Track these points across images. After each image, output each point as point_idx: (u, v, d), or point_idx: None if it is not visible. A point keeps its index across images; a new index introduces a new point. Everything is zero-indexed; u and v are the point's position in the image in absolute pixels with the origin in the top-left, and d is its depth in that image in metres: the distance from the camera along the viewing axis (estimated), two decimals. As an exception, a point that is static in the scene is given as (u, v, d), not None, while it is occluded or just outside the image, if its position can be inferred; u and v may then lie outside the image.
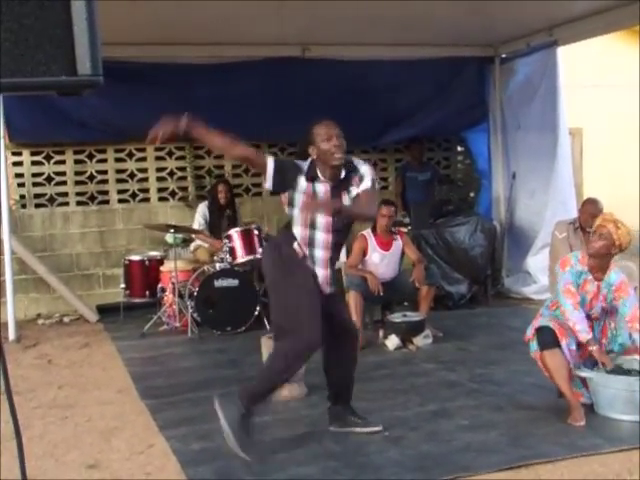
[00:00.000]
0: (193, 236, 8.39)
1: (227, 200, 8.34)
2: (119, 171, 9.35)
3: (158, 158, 9.49)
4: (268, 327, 7.39)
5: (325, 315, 4.28)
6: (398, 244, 7.08)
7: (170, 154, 9.52)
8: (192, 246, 8.47)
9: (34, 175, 9.06)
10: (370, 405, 4.92)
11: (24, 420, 4.82)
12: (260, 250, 7.58)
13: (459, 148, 10.91)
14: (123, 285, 8.18)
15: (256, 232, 7.71)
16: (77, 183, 9.21)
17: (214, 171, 9.66)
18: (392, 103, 9.06)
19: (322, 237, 4.20)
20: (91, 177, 9.25)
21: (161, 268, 8.02)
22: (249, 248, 7.61)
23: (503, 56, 9.58)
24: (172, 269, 7.60)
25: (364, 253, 6.94)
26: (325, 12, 7.25)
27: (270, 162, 4.16)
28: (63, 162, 9.15)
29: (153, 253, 8.49)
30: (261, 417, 4.42)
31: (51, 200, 9.13)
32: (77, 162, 9.19)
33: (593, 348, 4.62)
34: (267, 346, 5.39)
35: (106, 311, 8.69)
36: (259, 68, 8.76)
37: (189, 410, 5.15)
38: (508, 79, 9.53)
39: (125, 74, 8.28)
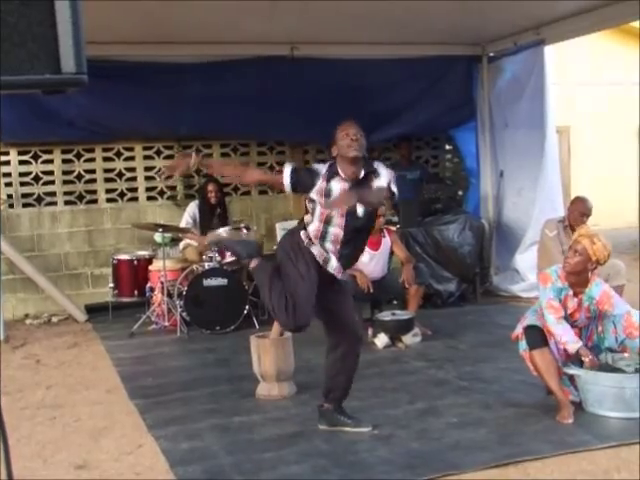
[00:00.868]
0: (181, 235, 8.38)
1: (217, 199, 8.35)
2: (107, 170, 9.33)
3: (146, 157, 9.47)
4: (257, 326, 7.40)
5: (332, 314, 4.41)
6: (387, 242, 7.08)
7: (158, 153, 9.50)
8: (181, 245, 8.46)
9: (21, 174, 9.02)
10: (360, 403, 4.92)
11: (12, 421, 4.81)
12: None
13: (447, 147, 10.94)
14: (112, 285, 8.17)
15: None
16: (65, 182, 9.18)
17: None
18: (380, 102, 9.06)
19: (334, 231, 4.27)
20: (79, 176, 9.22)
21: (150, 267, 8.01)
22: (238, 247, 7.58)
23: (491, 55, 9.58)
24: (161, 268, 7.59)
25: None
26: (314, 11, 7.24)
27: (287, 167, 4.33)
28: (51, 161, 9.12)
29: (142, 252, 8.48)
30: (250, 416, 4.42)
31: (39, 200, 9.10)
32: (65, 161, 9.17)
33: (585, 358, 4.62)
34: (256, 345, 5.39)
35: (95, 311, 8.67)
36: (248, 67, 8.75)
37: (178, 410, 5.15)
38: (496, 78, 9.54)
39: (114, 73, 8.27)
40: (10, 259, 8.62)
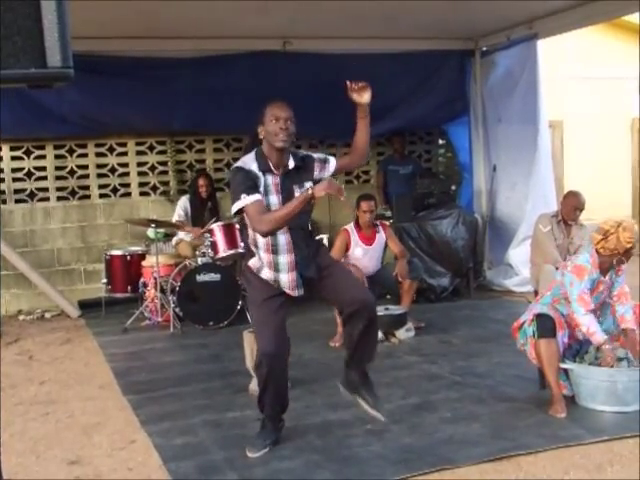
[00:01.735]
0: (175, 229, 8.36)
1: (208, 193, 8.35)
2: (100, 166, 9.30)
3: (139, 153, 9.44)
4: (250, 321, 7.38)
5: (331, 294, 4.21)
6: (381, 237, 7.07)
7: (151, 148, 9.48)
8: (174, 241, 8.45)
9: (14, 170, 8.98)
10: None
11: (5, 417, 4.82)
12: (242, 244, 7.59)
13: (441, 141, 10.93)
14: (105, 280, 8.17)
15: (238, 226, 7.69)
16: (57, 178, 9.14)
17: (195, 165, 9.62)
18: (373, 96, 9.03)
19: (283, 239, 4.07)
20: (72, 172, 9.19)
21: (143, 263, 8.00)
22: (231, 242, 7.59)
23: (484, 49, 9.59)
24: (154, 264, 7.58)
25: (347, 247, 6.93)
26: (307, 5, 7.22)
27: (246, 199, 3.90)
28: (43, 157, 9.09)
29: (134, 248, 8.47)
30: (243, 411, 4.42)
31: (31, 195, 9.07)
32: (57, 157, 9.13)
33: (608, 348, 4.61)
34: (249, 340, 5.38)
35: (88, 306, 8.65)
36: (240, 62, 8.73)
37: (171, 405, 5.14)
38: (489, 72, 9.54)
39: (106, 68, 8.27)
40: (3, 255, 8.60)
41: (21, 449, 4.45)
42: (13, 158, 8.97)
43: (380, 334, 6.65)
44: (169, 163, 9.51)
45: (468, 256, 8.65)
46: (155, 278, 7.56)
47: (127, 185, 9.43)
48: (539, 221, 7.05)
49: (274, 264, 4.09)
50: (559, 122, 13.83)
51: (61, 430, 4.80)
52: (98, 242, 9.21)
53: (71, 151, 9.16)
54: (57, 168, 9.13)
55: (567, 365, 4.72)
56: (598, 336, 4.61)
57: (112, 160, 9.33)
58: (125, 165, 9.40)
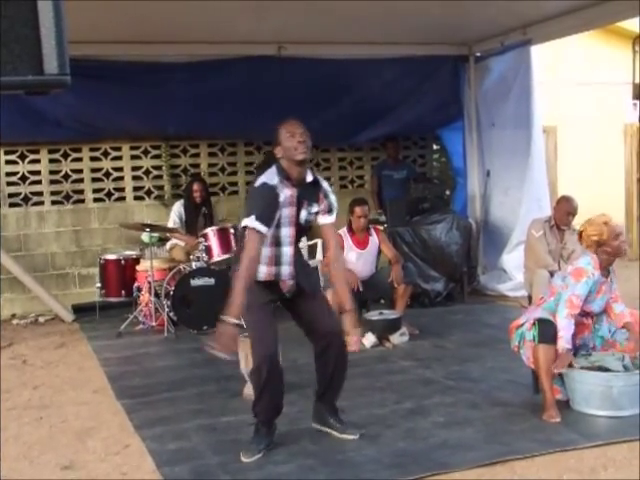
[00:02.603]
0: (169, 235, 8.36)
1: (203, 198, 8.34)
2: (94, 170, 9.29)
3: (134, 157, 9.44)
4: (245, 326, 7.38)
5: (305, 322, 4.37)
6: (374, 241, 7.09)
7: (146, 153, 9.47)
8: (168, 245, 8.45)
9: (8, 174, 8.97)
10: (347, 403, 4.92)
11: (-2, 421, 4.80)
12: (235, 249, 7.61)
13: (435, 146, 10.95)
14: (99, 284, 8.15)
15: (232, 231, 7.70)
16: (52, 182, 9.13)
17: (190, 170, 9.62)
18: (367, 101, 9.07)
19: (286, 251, 4.21)
20: (66, 176, 9.18)
21: (137, 267, 7.99)
22: (225, 247, 7.60)
23: (478, 55, 9.60)
24: (148, 268, 7.57)
25: (340, 251, 6.93)
26: (300, 11, 7.24)
27: (255, 227, 3.99)
28: (38, 161, 9.08)
29: (129, 252, 8.46)
30: (237, 416, 4.42)
31: (26, 199, 9.06)
32: (52, 161, 9.12)
33: (567, 355, 4.61)
34: (243, 346, 5.38)
35: (82, 311, 8.64)
36: (235, 67, 8.74)
37: (165, 410, 5.14)
38: (483, 77, 9.56)
39: (101, 73, 8.27)
40: (-3, 259, 8.60)
41: (14, 454, 4.45)
42: (7, 162, 8.97)
43: (374, 338, 6.68)
44: (164, 167, 9.51)
45: (462, 261, 8.67)
46: (149, 282, 7.56)
47: (121, 189, 9.43)
48: (532, 226, 7.07)
49: (276, 257, 4.18)
50: (553, 127, 13.86)
51: (55, 435, 4.79)
52: (92, 246, 9.20)
53: (65, 155, 9.16)
54: (51, 172, 9.13)
55: (562, 369, 4.73)
56: (563, 343, 4.59)
57: (106, 164, 9.32)
58: (120, 169, 9.40)
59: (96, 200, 9.31)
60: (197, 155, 9.72)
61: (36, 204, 9.10)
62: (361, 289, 6.78)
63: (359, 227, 6.97)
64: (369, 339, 6.67)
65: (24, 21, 1.37)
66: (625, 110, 14.33)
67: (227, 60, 8.70)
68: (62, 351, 7.18)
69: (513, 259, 8.74)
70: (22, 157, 9.01)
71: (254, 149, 9.89)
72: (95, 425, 4.93)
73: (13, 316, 8.79)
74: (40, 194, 9.11)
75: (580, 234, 4.86)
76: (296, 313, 4.41)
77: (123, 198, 9.44)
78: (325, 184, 4.37)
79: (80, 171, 9.24)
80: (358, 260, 6.96)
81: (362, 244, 7.00)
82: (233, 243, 7.63)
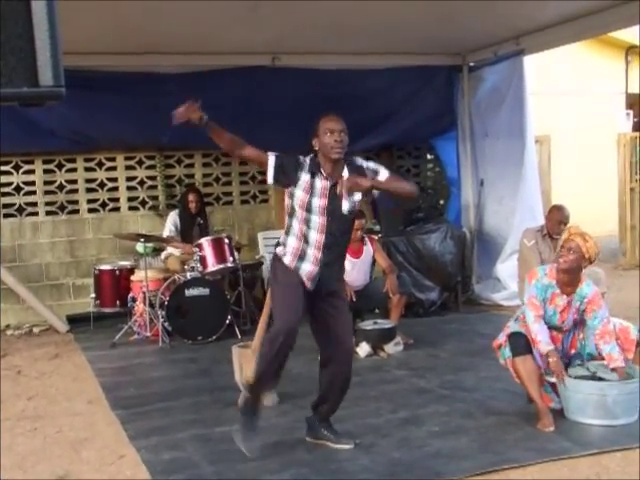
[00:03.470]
0: (164, 244, 8.36)
1: (198, 208, 8.34)
2: (89, 180, 9.30)
3: (128, 167, 9.45)
4: (239, 336, 7.40)
5: (326, 327, 4.34)
6: (368, 250, 7.09)
7: (140, 163, 9.49)
8: (163, 255, 8.44)
9: (2, 185, 8.96)
10: (341, 412, 4.91)
11: (-8, 432, 4.79)
12: (230, 259, 7.61)
13: (429, 156, 10.98)
14: (93, 295, 8.14)
15: (227, 241, 7.71)
16: (46, 193, 9.14)
17: (184, 180, 9.63)
18: (362, 111, 9.07)
19: (315, 237, 4.19)
20: (60, 187, 9.18)
21: (132, 277, 7.99)
22: (220, 257, 7.60)
23: (471, 65, 9.65)
24: (143, 278, 7.57)
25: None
26: (295, 21, 7.27)
27: (271, 157, 4.22)
28: (32, 172, 9.08)
29: (123, 263, 8.46)
30: (232, 426, 4.42)
31: (20, 210, 9.05)
32: (46, 172, 9.13)
33: (551, 360, 4.64)
34: (238, 355, 5.39)
35: (76, 321, 8.63)
36: (229, 77, 8.76)
37: (160, 420, 5.13)
38: (476, 87, 9.60)
39: (96, 83, 8.27)
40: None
41: (8, 464, 4.43)
42: (2, 173, 8.96)
43: (369, 348, 6.69)
44: (158, 178, 9.52)
45: (456, 270, 8.68)
46: (144, 293, 7.55)
47: (116, 200, 9.43)
48: (524, 236, 7.09)
49: (301, 252, 4.21)
50: (546, 137, 13.93)
51: (49, 445, 4.78)
52: (87, 257, 9.20)
53: (60, 166, 9.16)
54: (46, 183, 9.13)
55: (555, 379, 4.74)
56: (542, 346, 4.64)
57: (101, 175, 9.33)
58: (114, 180, 9.41)
59: (90, 210, 9.31)
60: (191, 165, 9.74)
61: (30, 214, 9.09)
62: (354, 299, 6.77)
63: (354, 238, 6.96)
64: (363, 348, 6.67)
65: (19, 34, 1.38)
66: (618, 120, 14.40)
67: (221, 70, 8.72)
68: (56, 362, 7.16)
69: (507, 268, 8.76)
70: (16, 168, 9.01)
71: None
72: (89, 436, 4.92)
73: (7, 327, 8.76)
74: (34, 204, 9.11)
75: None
76: (320, 314, 4.37)
77: (118, 208, 9.44)
78: (360, 163, 4.31)
79: (75, 181, 9.24)
80: (352, 269, 6.95)
81: (356, 253, 7.01)
82: (228, 253, 7.63)
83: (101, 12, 6.40)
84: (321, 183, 4.17)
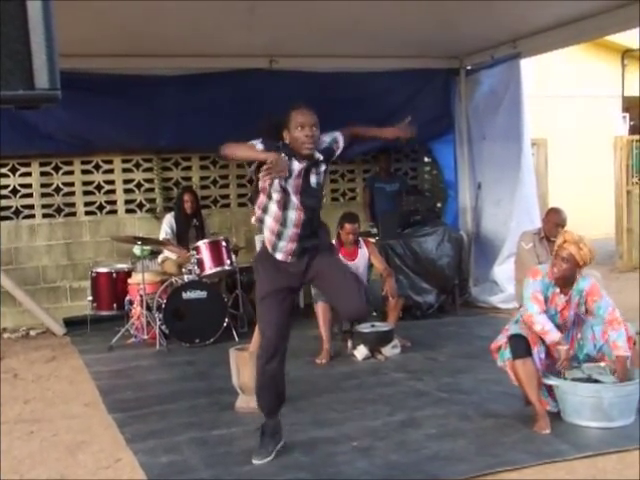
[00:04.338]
0: (161, 247, 8.35)
1: (193, 209, 8.31)
2: (86, 183, 9.29)
3: (125, 170, 9.45)
4: (237, 339, 7.39)
5: (325, 284, 4.37)
6: (363, 252, 7.09)
7: (137, 166, 9.48)
8: (160, 258, 8.43)
9: (-1, 187, 8.98)
10: (339, 415, 4.93)
11: (-11, 435, 4.78)
12: (228, 262, 7.61)
13: (426, 159, 10.99)
14: (90, 298, 8.14)
15: (224, 244, 7.70)
16: (43, 195, 9.13)
17: (182, 183, 9.63)
18: (359, 114, 9.06)
19: (294, 216, 4.12)
20: (57, 189, 9.18)
21: (129, 280, 7.99)
22: (217, 260, 7.60)
23: (468, 68, 9.66)
24: (140, 281, 7.56)
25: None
26: (292, 24, 7.27)
27: (258, 144, 4.22)
28: (29, 174, 9.07)
29: (120, 265, 8.45)
30: (229, 429, 4.41)
31: (17, 212, 9.05)
32: (43, 174, 9.12)
33: (563, 347, 4.65)
34: (236, 358, 5.38)
35: (73, 324, 8.62)
36: (226, 80, 8.75)
37: (157, 423, 5.12)
38: (473, 90, 9.61)
39: (93, 86, 8.27)
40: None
41: (5, 468, 4.42)
42: (-2, 175, 8.96)
43: (366, 351, 6.69)
44: (155, 180, 9.52)
45: (453, 273, 8.69)
46: (141, 295, 7.55)
47: (113, 202, 9.43)
48: (521, 238, 7.11)
49: (277, 232, 4.14)
50: (543, 140, 13.96)
51: (46, 449, 4.77)
52: (84, 259, 9.19)
53: (57, 168, 9.16)
54: (43, 185, 9.12)
55: (552, 381, 4.75)
56: (552, 335, 4.65)
57: (98, 177, 9.33)
58: (111, 182, 9.40)
59: (87, 213, 9.31)
60: (189, 168, 9.74)
61: (27, 217, 9.09)
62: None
63: (348, 242, 6.99)
64: (361, 351, 6.67)
65: (15, 37, 1.38)
66: (615, 123, 14.43)
67: (219, 73, 8.71)
68: (53, 365, 7.16)
69: (504, 271, 8.77)
70: (13, 170, 9.00)
71: (246, 163, 9.88)
72: (86, 439, 4.91)
73: (4, 330, 8.75)
74: (31, 207, 9.10)
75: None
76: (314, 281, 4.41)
77: (115, 211, 9.44)
78: (326, 144, 4.31)
79: (71, 184, 9.24)
80: (349, 272, 6.95)
81: (351, 256, 7.00)
82: (225, 256, 7.63)
83: (98, 14, 6.40)
84: (297, 165, 4.08)
